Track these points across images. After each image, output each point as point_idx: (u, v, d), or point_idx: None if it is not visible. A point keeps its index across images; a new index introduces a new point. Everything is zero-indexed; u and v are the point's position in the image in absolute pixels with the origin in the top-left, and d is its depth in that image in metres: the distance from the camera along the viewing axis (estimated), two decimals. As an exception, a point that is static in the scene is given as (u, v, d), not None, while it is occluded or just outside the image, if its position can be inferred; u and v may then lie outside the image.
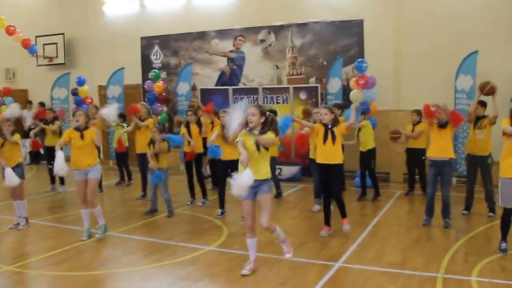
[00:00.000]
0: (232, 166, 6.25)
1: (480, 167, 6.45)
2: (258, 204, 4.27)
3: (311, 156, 6.82)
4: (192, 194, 7.50)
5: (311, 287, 3.94)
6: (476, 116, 6.55)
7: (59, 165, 5.19)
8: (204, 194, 7.38)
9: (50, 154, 8.68)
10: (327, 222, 5.65)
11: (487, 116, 6.41)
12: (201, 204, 7.32)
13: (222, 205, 6.52)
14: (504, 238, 4.87)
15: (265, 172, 4.23)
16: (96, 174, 5.41)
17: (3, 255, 4.93)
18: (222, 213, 6.51)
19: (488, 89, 6.24)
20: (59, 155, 5.19)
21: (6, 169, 5.61)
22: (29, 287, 4.07)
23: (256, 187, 4.18)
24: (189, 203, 7.42)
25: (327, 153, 5.37)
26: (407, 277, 4.17)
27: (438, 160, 5.79)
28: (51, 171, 8.63)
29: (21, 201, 5.91)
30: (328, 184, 5.49)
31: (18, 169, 5.82)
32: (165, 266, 4.49)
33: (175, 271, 4.37)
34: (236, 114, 4.16)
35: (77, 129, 5.38)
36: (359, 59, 8.92)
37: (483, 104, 6.50)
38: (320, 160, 5.49)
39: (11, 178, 5.59)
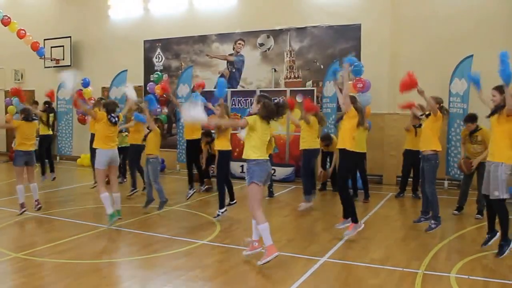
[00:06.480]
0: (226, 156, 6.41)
1: (477, 169, 6.42)
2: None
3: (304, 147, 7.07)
4: (191, 185, 7.64)
5: (294, 280, 4.06)
6: (469, 131, 6.47)
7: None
8: (202, 181, 7.63)
9: (42, 142, 9.20)
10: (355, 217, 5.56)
11: (480, 129, 6.35)
12: (194, 191, 7.59)
13: (222, 204, 6.37)
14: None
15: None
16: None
17: (10, 244, 5.21)
18: (224, 211, 6.36)
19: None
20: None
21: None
22: (35, 272, 4.30)
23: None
24: (191, 192, 7.59)
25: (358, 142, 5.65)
26: (389, 272, 4.28)
27: None
28: (42, 160, 9.19)
29: (32, 184, 6.58)
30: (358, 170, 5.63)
31: (30, 155, 6.43)
32: (160, 257, 4.73)
33: (170, 261, 4.61)
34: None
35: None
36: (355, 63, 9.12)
37: (473, 119, 6.43)
38: (356, 149, 5.64)
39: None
